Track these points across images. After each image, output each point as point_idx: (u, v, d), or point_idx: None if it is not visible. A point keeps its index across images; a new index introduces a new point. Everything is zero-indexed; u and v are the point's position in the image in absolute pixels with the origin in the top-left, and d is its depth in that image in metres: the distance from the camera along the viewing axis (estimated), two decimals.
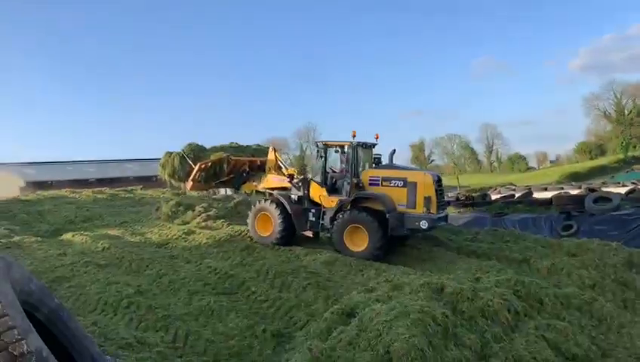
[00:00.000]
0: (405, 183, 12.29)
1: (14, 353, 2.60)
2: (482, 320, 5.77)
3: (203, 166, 15.99)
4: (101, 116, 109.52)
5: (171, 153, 17.11)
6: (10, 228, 16.67)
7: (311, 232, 13.78)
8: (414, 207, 11.98)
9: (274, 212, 13.56)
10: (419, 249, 11.60)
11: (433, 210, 11.90)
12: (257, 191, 15.62)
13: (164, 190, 26.28)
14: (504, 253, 11.15)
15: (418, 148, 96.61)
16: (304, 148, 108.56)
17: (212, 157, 16.18)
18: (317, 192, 13.24)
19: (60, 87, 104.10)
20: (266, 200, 14.11)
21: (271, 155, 15.04)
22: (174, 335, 6.55)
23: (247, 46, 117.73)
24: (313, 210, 13.11)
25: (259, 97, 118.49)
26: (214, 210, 17.82)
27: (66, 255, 11.50)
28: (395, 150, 13.77)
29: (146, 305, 7.49)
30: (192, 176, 15.95)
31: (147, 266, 10.21)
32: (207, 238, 13.60)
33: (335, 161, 13.40)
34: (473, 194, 21.98)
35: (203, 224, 16.24)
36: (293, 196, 13.58)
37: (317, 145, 13.26)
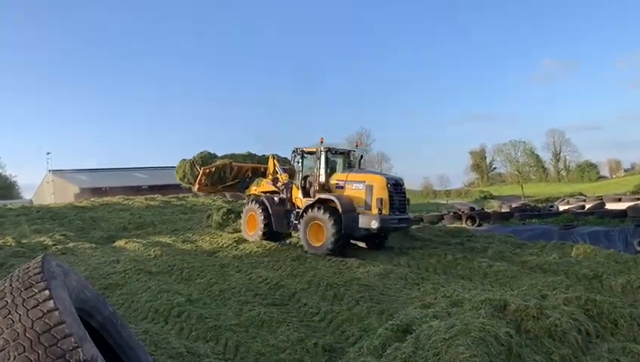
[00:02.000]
0: (364, 186, 13.60)
1: (71, 360, 2.71)
2: (549, 341, 5.52)
3: (207, 171, 18.18)
4: (150, 123, 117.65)
5: (185, 160, 19.37)
6: (65, 233, 17.52)
7: (364, 243, 14.41)
8: (370, 209, 13.25)
9: (257, 212, 15.49)
10: (479, 262, 11.29)
11: (386, 211, 13.11)
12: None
13: (215, 197, 26.91)
14: (573, 268, 10.66)
15: (479, 156, 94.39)
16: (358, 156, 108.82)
17: (215, 164, 18.29)
18: (296, 195, 14.91)
19: (110, 97, 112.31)
20: (253, 201, 15.92)
21: (270, 163, 16.64)
22: (224, 346, 6.65)
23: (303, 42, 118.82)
24: (295, 212, 14.64)
25: (315, 103, 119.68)
26: None
27: (118, 262, 11.95)
28: (362, 155, 15.91)
29: (197, 314, 7.66)
30: (197, 180, 18.18)
31: (198, 275, 10.45)
32: (258, 247, 13.79)
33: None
34: (539, 205, 21.28)
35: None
36: (276, 198, 15.38)
37: (294, 151, 14.88)
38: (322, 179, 14.39)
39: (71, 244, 15.10)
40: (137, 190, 36.96)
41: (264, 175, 17.18)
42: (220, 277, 10.19)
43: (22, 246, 14.33)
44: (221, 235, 16.67)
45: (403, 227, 14.08)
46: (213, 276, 10.25)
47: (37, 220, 21.05)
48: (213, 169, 18.09)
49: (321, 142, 14.67)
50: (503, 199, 55.08)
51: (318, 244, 13.51)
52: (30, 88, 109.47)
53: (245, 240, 15.05)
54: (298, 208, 14.54)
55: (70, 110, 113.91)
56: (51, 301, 2.85)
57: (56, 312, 2.81)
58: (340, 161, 14.95)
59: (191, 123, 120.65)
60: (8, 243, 14.51)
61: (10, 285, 2.98)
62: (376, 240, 14.20)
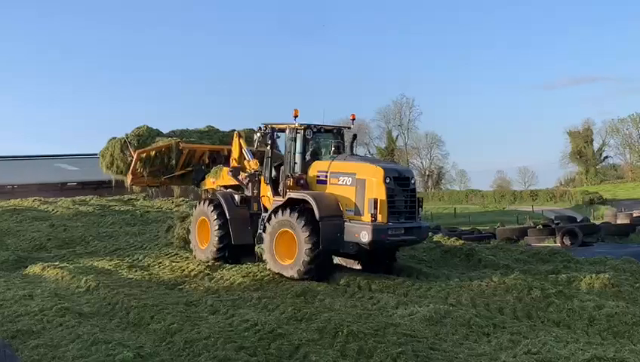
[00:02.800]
0: (354, 181, 13.88)
1: None
2: None
3: (144, 155, 18.34)
4: (81, 92, 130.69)
5: (114, 138, 18.98)
6: None
7: (356, 262, 14.83)
8: (362, 213, 13.54)
9: (211, 217, 15.85)
10: (582, 301, 11.18)
11: (382, 217, 13.33)
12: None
13: (180, 200, 26.97)
14: None
15: (582, 139, 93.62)
16: (394, 137, 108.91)
17: (154, 145, 18.48)
18: (265, 192, 15.20)
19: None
20: (205, 202, 16.31)
21: (235, 143, 16.80)
22: None
23: None
24: (262, 216, 14.85)
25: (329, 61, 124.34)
26: None
27: (32, 297, 11.99)
28: (355, 135, 15.96)
29: None
30: (131, 168, 18.38)
31: (152, 317, 10.47)
32: (243, 276, 13.79)
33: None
34: None
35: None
36: (237, 196, 15.69)
37: (259, 129, 15.33)
38: (298, 169, 14.82)
39: None
40: (61, 188, 37.13)
41: (228, 161, 17.38)
42: (186, 322, 10.19)
43: None
44: (187, 258, 16.70)
45: (412, 240, 14.38)
46: (175, 319, 10.26)
47: None
48: (153, 153, 18.38)
49: (295, 117, 15.06)
50: (620, 205, 54.65)
51: (287, 262, 13.90)
52: None
53: (224, 266, 15.08)
54: (266, 211, 14.91)
55: None
56: None
57: None
58: (327, 143, 15.31)
59: (146, 93, 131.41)
60: None
61: None
62: (380, 258, 14.37)
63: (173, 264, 16.05)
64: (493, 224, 37.31)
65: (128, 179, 18.88)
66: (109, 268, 15.96)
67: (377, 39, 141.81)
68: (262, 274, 13.88)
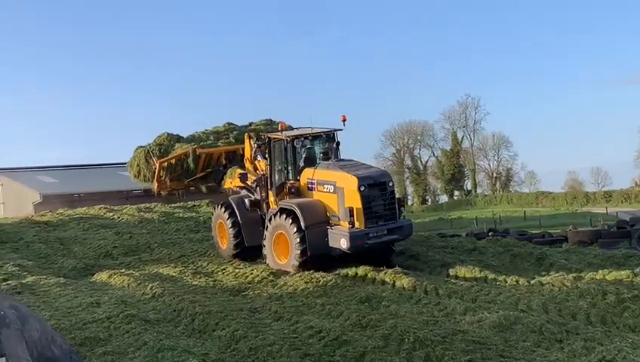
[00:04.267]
0: (335, 188, 15.32)
1: None
2: None
3: (165, 163, 20.29)
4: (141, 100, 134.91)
5: (141, 148, 21.02)
6: (20, 263, 18.21)
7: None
8: (341, 220, 15.05)
9: (226, 220, 17.63)
10: None
11: (360, 224, 14.74)
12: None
13: None
14: None
15: None
16: (459, 138, 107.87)
17: (173, 153, 20.43)
18: (271, 196, 16.84)
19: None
20: (221, 205, 18.01)
21: (246, 145, 18.15)
22: None
23: None
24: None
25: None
26: None
27: (99, 305, 12.29)
28: (338, 142, 17.03)
29: None
30: (155, 176, 20.29)
31: (217, 324, 10.60)
32: (306, 282, 13.84)
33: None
34: None
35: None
36: (247, 200, 17.21)
37: (259, 139, 17.38)
38: (291, 177, 16.53)
39: (29, 279, 15.68)
40: (126, 197, 37.84)
41: (243, 160, 18.70)
42: (250, 328, 10.29)
43: None
44: (250, 264, 16.87)
45: (394, 239, 15.73)
46: (239, 326, 10.37)
47: None
48: (173, 161, 20.23)
49: (281, 130, 16.69)
50: None
51: (283, 261, 15.74)
52: None
53: (287, 272, 15.19)
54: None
55: (23, 82, 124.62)
56: (2, 360, 2.95)
57: None
58: (318, 149, 16.83)
59: (200, 96, 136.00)
60: None
61: None
62: (377, 255, 15.50)
63: (237, 270, 16.23)
64: (565, 227, 36.53)
65: (154, 186, 20.70)
66: (173, 274, 16.23)
67: (438, 36, 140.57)
68: (325, 280, 13.89)
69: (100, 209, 29.60)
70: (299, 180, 16.30)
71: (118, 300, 12.66)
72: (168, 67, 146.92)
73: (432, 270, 15.75)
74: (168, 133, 21.22)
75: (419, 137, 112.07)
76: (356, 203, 14.75)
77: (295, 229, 15.16)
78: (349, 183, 14.95)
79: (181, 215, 27.16)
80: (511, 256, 17.19)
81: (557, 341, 9.38)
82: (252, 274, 15.48)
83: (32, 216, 31.11)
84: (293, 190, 16.17)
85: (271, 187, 16.82)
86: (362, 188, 14.74)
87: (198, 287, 14.44)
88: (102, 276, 16.31)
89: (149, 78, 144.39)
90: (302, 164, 16.49)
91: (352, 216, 14.71)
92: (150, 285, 13.95)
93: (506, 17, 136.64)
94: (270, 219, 16.16)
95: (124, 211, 28.49)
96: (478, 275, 14.46)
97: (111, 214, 28.20)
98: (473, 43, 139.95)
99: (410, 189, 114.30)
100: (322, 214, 15.30)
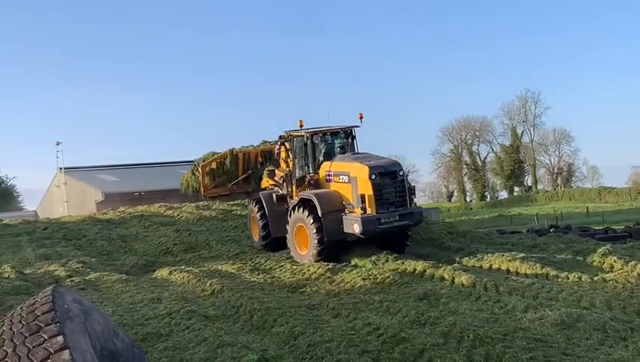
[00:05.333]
0: (349, 178, 16.67)
1: None
2: None
3: (206, 169, 22.68)
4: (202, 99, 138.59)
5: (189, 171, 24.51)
6: (84, 260, 18.66)
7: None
8: (355, 207, 16.37)
9: (256, 213, 19.50)
10: None
11: (371, 210, 16.06)
12: None
13: None
14: None
15: None
16: (519, 134, 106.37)
17: (214, 157, 22.48)
18: (295, 190, 18.25)
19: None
20: (253, 200, 20.06)
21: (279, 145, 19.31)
22: None
23: None
24: None
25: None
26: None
27: (160, 301, 12.49)
28: (354, 136, 18.42)
29: None
30: (201, 183, 22.59)
31: (275, 320, 10.67)
32: (364, 279, 13.84)
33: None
34: None
35: (358, 257, 16.60)
36: (274, 195, 18.85)
37: (282, 137, 18.75)
38: (311, 170, 18.05)
39: (92, 275, 16.03)
40: (185, 195, 38.42)
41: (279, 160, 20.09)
42: (309, 325, 10.33)
43: (24, 279, 15.42)
44: (309, 262, 16.94)
45: (406, 225, 16.96)
46: (298, 322, 10.41)
47: (44, 241, 22.56)
48: (213, 164, 22.21)
49: (300, 126, 18.09)
50: None
51: (304, 252, 17.14)
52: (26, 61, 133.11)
53: (344, 269, 15.22)
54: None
55: (88, 83, 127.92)
56: (66, 352, 3.01)
57: None
58: (335, 144, 18.27)
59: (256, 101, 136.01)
60: (5, 275, 15.64)
61: (11, 329, 3.18)
62: (393, 240, 17.20)
63: (294, 267, 16.31)
64: (629, 223, 35.81)
65: (202, 192, 23.13)
66: (232, 271, 16.39)
67: (498, 30, 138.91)
68: (382, 276, 13.86)
69: (159, 207, 30.05)
70: (318, 173, 17.84)
71: (179, 296, 12.84)
72: (230, 73, 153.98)
73: (492, 266, 15.57)
74: (212, 151, 23.04)
75: (477, 133, 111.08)
76: (368, 190, 16.08)
77: (312, 219, 16.62)
78: (362, 172, 16.27)
79: (239, 212, 27.35)
80: (573, 252, 16.89)
81: (621, 339, 9.19)
82: (309, 270, 15.53)
83: (95, 214, 31.83)
84: (312, 182, 17.69)
85: (292, 180, 18.43)
86: (373, 177, 16.05)
87: (256, 284, 14.57)
88: (162, 272, 16.57)
89: (211, 83, 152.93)
90: (321, 158, 18.06)
91: (363, 202, 16.04)
92: (209, 281, 14.11)
93: (570, 8, 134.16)
94: (290, 214, 17.66)
95: (183, 209, 28.85)
96: (540, 272, 14.24)
97: (171, 212, 28.60)
98: (533, 37, 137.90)
99: (468, 186, 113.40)
100: (338, 203, 16.69)
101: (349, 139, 18.55)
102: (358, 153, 18.09)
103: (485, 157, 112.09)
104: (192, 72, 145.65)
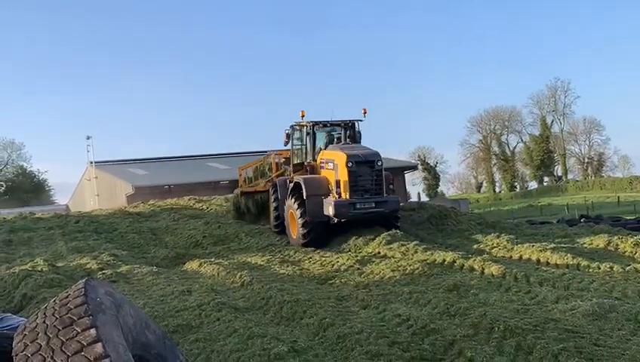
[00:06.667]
0: (334, 165, 18.21)
1: None
2: None
3: (243, 170, 24.91)
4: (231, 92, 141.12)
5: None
6: (115, 253, 18.77)
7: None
8: (335, 192, 17.91)
9: (271, 197, 20.84)
10: None
11: (345, 194, 17.61)
12: None
13: None
14: None
15: None
16: (549, 123, 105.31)
17: (252, 162, 24.75)
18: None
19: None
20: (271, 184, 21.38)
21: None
22: None
23: None
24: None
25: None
26: (397, 230, 18.31)
27: (190, 293, 12.56)
28: (348, 127, 20.17)
29: None
30: (239, 183, 24.87)
31: (305, 312, 10.69)
32: (393, 270, 13.83)
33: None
34: None
35: (387, 248, 16.58)
36: (288, 180, 20.07)
37: (292, 127, 20.30)
38: (309, 158, 19.97)
39: (124, 268, 16.15)
40: (215, 187, 38.57)
41: None
42: (338, 316, 10.34)
43: (57, 272, 15.52)
44: (337, 253, 16.95)
45: (380, 212, 18.15)
46: (327, 314, 10.43)
47: (76, 234, 22.76)
48: (251, 167, 24.23)
49: (302, 117, 19.69)
50: None
51: (295, 237, 18.70)
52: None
53: (372, 261, 15.22)
54: None
55: (115, 77, 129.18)
56: (99, 344, 3.05)
57: (107, 361, 3.01)
58: (334, 135, 19.98)
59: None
60: (38, 268, 15.76)
61: (44, 322, 3.23)
62: (386, 223, 18.37)
63: (323, 259, 16.32)
64: None
65: (239, 190, 24.55)
66: (261, 263, 16.45)
67: (525, 18, 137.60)
68: (411, 268, 13.85)
69: (189, 200, 30.27)
70: (316, 160, 19.61)
71: (209, 288, 12.91)
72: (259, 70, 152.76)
73: (522, 257, 15.48)
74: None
75: (506, 123, 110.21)
76: (344, 176, 17.60)
77: (298, 203, 18.26)
78: (341, 160, 17.80)
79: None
80: (604, 242, 16.73)
81: None
82: (338, 262, 15.55)
83: (125, 207, 32.11)
84: (309, 168, 19.53)
85: (290, 165, 20.44)
86: (350, 164, 17.55)
87: (285, 276, 14.62)
88: (192, 265, 16.68)
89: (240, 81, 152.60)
90: (322, 147, 19.83)
91: (338, 187, 17.65)
92: (239, 274, 14.18)
93: None
94: (284, 200, 19.52)
95: (212, 202, 29.04)
96: (571, 262, 14.14)
97: (200, 205, 28.80)
98: (562, 24, 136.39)
99: (497, 176, 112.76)
100: (324, 187, 18.21)
101: (350, 131, 20.00)
102: (348, 143, 19.54)
103: (514, 148, 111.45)
104: (225, 69, 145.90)
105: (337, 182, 17.74)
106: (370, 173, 18.06)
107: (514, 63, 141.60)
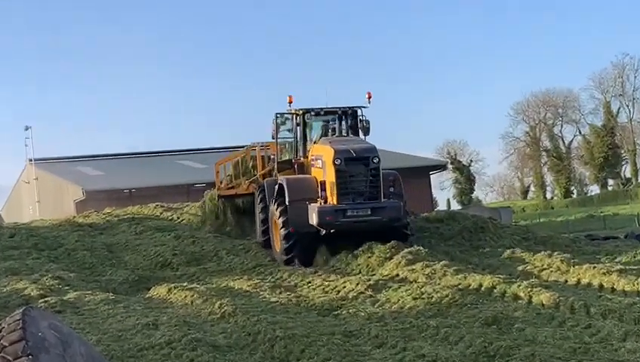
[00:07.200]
0: (322, 163, 18.18)
1: None
2: None
3: (220, 164, 25.40)
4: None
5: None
6: (61, 275, 18.74)
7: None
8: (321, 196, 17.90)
9: (257, 203, 21.05)
10: None
11: (333, 199, 17.59)
12: None
13: None
14: None
15: None
16: (614, 111, 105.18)
17: (230, 155, 25.52)
18: None
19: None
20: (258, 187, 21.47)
21: None
22: None
23: None
24: None
25: None
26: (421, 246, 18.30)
27: (157, 327, 12.54)
28: (341, 115, 20.08)
29: None
30: (216, 183, 25.27)
31: (302, 352, 10.69)
32: (416, 298, 13.81)
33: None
34: None
35: (407, 269, 16.57)
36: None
37: (279, 117, 20.41)
38: (300, 153, 19.99)
39: (72, 295, 16.13)
40: (188, 191, 38.53)
41: None
42: (345, 357, 10.34)
43: None
44: (344, 277, 16.91)
45: (376, 221, 17.78)
46: (331, 354, 10.43)
47: (11, 251, 22.67)
48: (230, 161, 24.64)
49: (290, 103, 19.92)
50: None
51: (277, 250, 19.10)
52: None
53: (388, 286, 15.30)
54: None
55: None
56: None
57: None
58: (329, 125, 19.97)
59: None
60: None
61: None
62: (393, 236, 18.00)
63: (326, 283, 16.30)
64: None
65: (215, 193, 24.75)
66: (247, 289, 16.45)
67: None
68: (439, 295, 13.79)
69: (155, 207, 30.26)
70: (307, 157, 19.76)
71: (180, 321, 12.89)
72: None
73: (580, 282, 15.48)
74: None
75: (560, 110, 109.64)
76: (330, 176, 17.48)
77: (280, 209, 18.45)
78: (328, 156, 17.62)
79: None
80: None
81: None
82: (345, 287, 15.52)
83: (74, 216, 32.11)
84: (297, 166, 19.37)
85: (274, 164, 20.33)
86: (338, 162, 17.43)
87: (277, 305, 14.59)
88: (159, 291, 16.69)
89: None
90: (316, 138, 19.85)
91: (324, 190, 17.64)
92: (219, 302, 14.18)
93: None
94: (268, 205, 19.75)
95: (184, 210, 29.02)
96: None
97: (169, 214, 28.79)
98: None
99: (549, 178, 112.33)
100: (312, 190, 17.98)
101: (351, 121, 19.99)
102: (344, 136, 19.63)
103: (570, 142, 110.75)
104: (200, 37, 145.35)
105: (322, 184, 17.66)
106: (365, 173, 17.99)
107: (569, 33, 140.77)
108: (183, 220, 27.27)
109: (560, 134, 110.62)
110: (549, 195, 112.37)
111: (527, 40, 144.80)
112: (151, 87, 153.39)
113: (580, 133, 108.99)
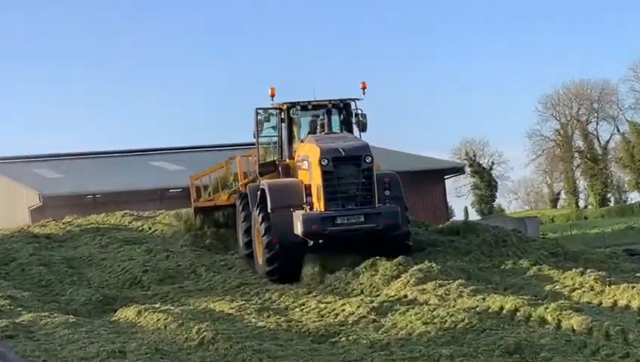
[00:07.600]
0: (309, 164, 18.38)
1: None
2: None
3: (196, 179, 26.20)
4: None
5: None
6: (12, 294, 18.77)
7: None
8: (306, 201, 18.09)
9: (239, 213, 21.19)
10: None
11: (320, 205, 17.80)
12: None
13: None
14: None
15: None
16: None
17: (207, 170, 25.96)
18: None
19: None
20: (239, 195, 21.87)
21: None
22: None
23: None
24: None
25: None
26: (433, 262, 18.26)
27: (125, 355, 12.53)
28: (330, 110, 20.05)
29: None
30: (191, 197, 26.42)
31: None
32: (426, 323, 13.83)
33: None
34: None
35: (417, 289, 16.59)
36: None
37: (258, 113, 20.51)
38: (286, 153, 20.30)
39: (25, 317, 16.15)
40: (161, 197, 38.53)
41: None
42: None
43: None
44: (342, 298, 16.92)
45: (370, 228, 17.91)
46: None
47: None
48: (206, 175, 25.38)
49: (272, 96, 20.00)
50: None
51: (259, 263, 19.52)
52: None
53: (395, 309, 15.33)
54: None
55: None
56: None
57: None
58: (317, 121, 20.03)
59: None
60: None
61: None
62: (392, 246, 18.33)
63: (323, 305, 16.31)
64: None
65: (193, 207, 25.47)
66: (230, 311, 16.45)
67: None
68: (453, 319, 13.79)
69: (123, 216, 30.23)
70: (293, 158, 19.57)
71: (151, 348, 12.88)
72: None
73: (616, 304, 15.50)
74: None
75: (595, 105, 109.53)
76: (317, 179, 17.60)
77: (261, 217, 18.80)
78: (314, 156, 17.72)
79: None
80: None
81: None
82: (345, 310, 15.52)
83: (29, 226, 32.08)
84: (282, 169, 19.62)
85: (256, 166, 20.69)
86: (324, 162, 17.53)
87: (265, 330, 14.59)
88: (127, 313, 16.69)
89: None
90: (304, 136, 20.03)
91: (309, 195, 17.84)
92: (197, 327, 14.17)
93: None
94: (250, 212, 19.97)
95: (157, 219, 29.00)
96: None
97: (139, 224, 28.76)
98: None
99: (582, 183, 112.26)
100: (296, 195, 18.15)
101: (343, 115, 20.25)
102: (333, 133, 19.61)
103: (607, 142, 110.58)
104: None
105: (308, 188, 17.79)
106: (356, 174, 18.12)
107: (606, 17, 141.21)
108: (155, 231, 27.25)
109: (595, 133, 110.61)
110: (581, 203, 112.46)
111: (557, 24, 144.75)
112: (125, 80, 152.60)
113: (618, 131, 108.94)
